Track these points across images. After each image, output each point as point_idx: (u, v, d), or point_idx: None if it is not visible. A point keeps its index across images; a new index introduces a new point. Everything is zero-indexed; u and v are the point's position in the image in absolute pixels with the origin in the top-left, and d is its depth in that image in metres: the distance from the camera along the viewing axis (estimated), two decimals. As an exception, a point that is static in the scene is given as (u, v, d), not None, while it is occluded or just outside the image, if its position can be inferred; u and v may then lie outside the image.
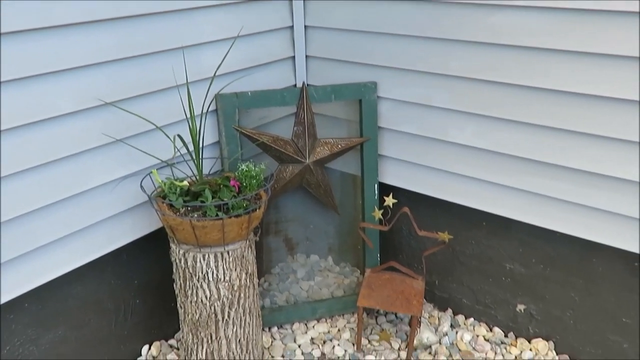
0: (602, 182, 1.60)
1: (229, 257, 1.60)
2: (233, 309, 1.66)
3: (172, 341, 2.01)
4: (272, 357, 1.95)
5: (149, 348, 1.96)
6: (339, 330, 2.09)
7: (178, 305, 1.70)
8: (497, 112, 1.71)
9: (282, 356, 1.96)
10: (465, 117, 1.78)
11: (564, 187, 1.68)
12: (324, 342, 2.03)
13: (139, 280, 1.85)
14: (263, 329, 2.03)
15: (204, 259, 1.58)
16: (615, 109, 1.51)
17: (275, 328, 2.08)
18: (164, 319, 1.97)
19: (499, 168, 1.78)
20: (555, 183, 1.69)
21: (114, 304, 1.80)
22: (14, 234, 1.42)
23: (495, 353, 1.96)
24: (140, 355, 1.94)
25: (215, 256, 1.58)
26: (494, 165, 1.79)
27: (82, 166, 1.52)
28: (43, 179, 1.45)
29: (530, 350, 1.95)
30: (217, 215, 1.52)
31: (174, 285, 1.69)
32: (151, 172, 1.61)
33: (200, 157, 1.62)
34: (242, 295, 1.66)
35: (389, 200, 1.88)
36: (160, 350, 1.96)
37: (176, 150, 1.63)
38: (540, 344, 1.96)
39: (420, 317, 1.92)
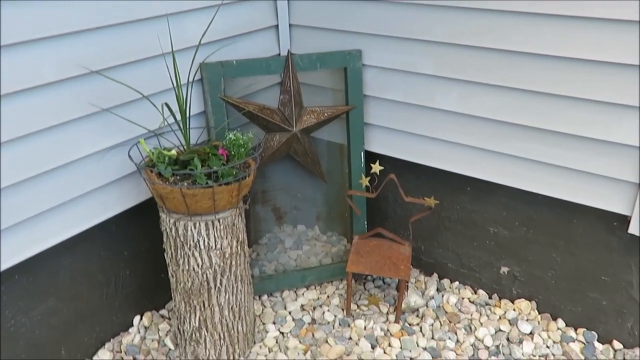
0: (583, 145, 1.65)
1: (220, 225, 1.61)
2: (225, 277, 1.68)
3: (163, 311, 2.03)
4: (264, 324, 1.99)
5: (141, 318, 1.97)
6: (328, 296, 2.12)
7: (169, 274, 1.71)
8: (482, 77, 1.73)
9: (274, 323, 1.99)
10: (450, 83, 1.80)
11: (547, 150, 1.72)
12: (314, 309, 2.07)
13: (129, 252, 1.86)
14: (253, 297, 2.05)
15: (194, 228, 1.58)
16: (598, 72, 1.54)
17: (266, 296, 2.11)
18: (154, 290, 1.98)
19: (484, 133, 1.81)
20: (538, 147, 1.73)
21: (104, 276, 1.80)
22: (4, 204, 1.41)
23: (480, 314, 2.02)
24: (132, 325, 1.95)
25: (206, 224, 1.59)
26: (479, 131, 1.82)
27: (69, 136, 1.51)
28: (28, 150, 1.43)
29: (514, 310, 2.02)
30: (206, 183, 1.53)
31: (165, 255, 1.70)
32: (139, 142, 1.61)
33: (188, 126, 1.62)
34: (233, 262, 1.68)
35: (376, 167, 1.90)
36: (152, 321, 1.97)
37: (163, 119, 1.62)
38: (523, 304, 2.02)
39: (408, 281, 1.97)
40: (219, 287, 1.68)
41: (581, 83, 1.57)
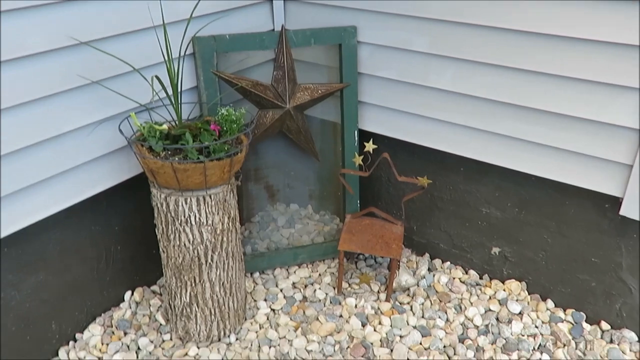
0: (577, 125, 1.64)
1: (211, 201, 1.60)
2: (216, 253, 1.67)
3: (154, 287, 2.03)
4: (255, 301, 1.99)
5: (132, 294, 1.97)
6: (319, 274, 2.13)
7: (160, 249, 1.71)
8: (477, 55, 1.71)
9: (265, 300, 2.00)
10: (445, 61, 1.78)
11: (540, 131, 1.71)
12: (306, 286, 2.07)
13: (120, 227, 1.85)
14: (245, 275, 2.06)
15: (185, 203, 1.57)
16: (593, 51, 1.52)
17: (257, 273, 2.12)
18: (145, 266, 1.98)
19: (477, 113, 1.80)
20: (531, 127, 1.72)
21: (94, 250, 1.80)
22: (-11, 177, 1.40)
23: (471, 294, 2.03)
24: (123, 301, 1.96)
25: (197, 200, 1.58)
26: (473, 110, 1.81)
27: (58, 109, 1.49)
28: (17, 122, 1.41)
29: (504, 290, 2.03)
30: (198, 158, 1.52)
31: (156, 230, 1.69)
32: (129, 116, 1.59)
33: (179, 100, 1.60)
34: (224, 239, 1.68)
35: (369, 146, 1.89)
36: (143, 296, 1.98)
37: (154, 93, 1.60)
38: (513, 284, 2.03)
39: (399, 260, 1.97)
40: (210, 263, 1.68)
41: (576, 63, 1.56)
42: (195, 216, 1.60)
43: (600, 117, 1.58)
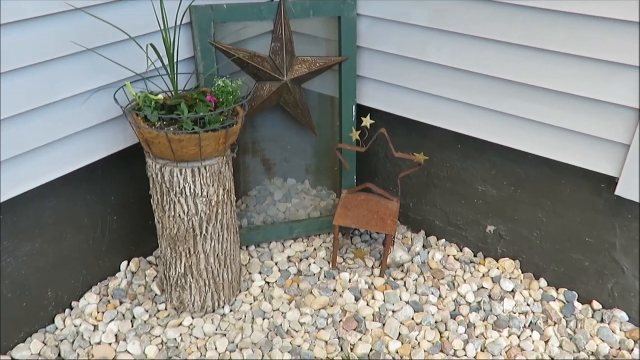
0: (575, 104, 1.63)
1: (207, 173, 1.60)
2: (211, 225, 1.68)
3: (150, 258, 2.04)
4: (250, 274, 2.00)
5: (128, 264, 1.99)
6: (315, 249, 2.14)
7: (156, 220, 1.71)
8: (478, 31, 1.69)
9: (260, 273, 2.01)
10: (444, 36, 1.76)
11: (538, 108, 1.70)
12: (301, 260, 2.08)
13: (116, 197, 1.85)
14: (241, 248, 2.07)
15: (181, 174, 1.57)
16: (593, 28, 1.50)
17: (253, 247, 2.13)
18: (142, 237, 1.99)
19: (476, 89, 1.78)
20: (529, 105, 1.71)
21: (90, 220, 1.80)
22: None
23: (464, 272, 2.04)
24: (119, 271, 1.97)
25: (193, 171, 1.58)
26: (471, 87, 1.79)
27: (52, 76, 1.47)
28: (10, 88, 1.40)
29: (498, 269, 2.04)
30: (193, 129, 1.51)
31: (152, 201, 1.69)
32: (125, 85, 1.58)
33: (175, 71, 1.58)
34: (220, 211, 1.68)
35: (367, 121, 1.88)
36: (139, 267, 1.99)
37: (150, 62, 1.59)
38: (507, 263, 2.04)
39: (394, 237, 1.98)
40: (204, 235, 1.68)
41: (577, 40, 1.54)
42: (190, 187, 1.60)
43: (599, 95, 1.56)
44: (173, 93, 1.62)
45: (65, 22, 1.44)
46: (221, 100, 1.61)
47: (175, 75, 1.59)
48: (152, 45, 1.48)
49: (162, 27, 1.49)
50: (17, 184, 1.51)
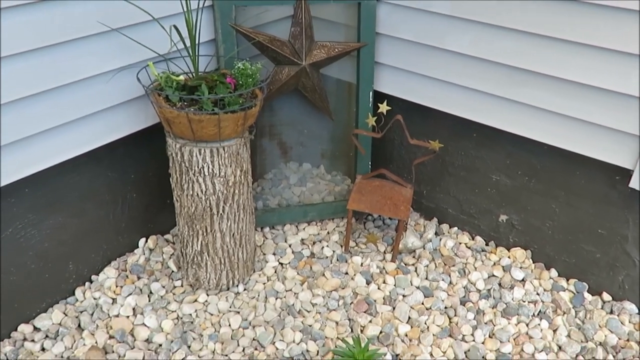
0: (592, 95, 1.63)
1: (224, 153, 1.63)
2: (227, 204, 1.72)
3: (167, 236, 2.10)
4: (264, 254, 2.05)
5: (146, 241, 2.04)
6: (328, 232, 2.17)
7: (174, 198, 1.76)
8: (497, 20, 1.69)
9: (274, 254, 2.05)
10: (464, 24, 1.76)
11: (555, 99, 1.70)
12: (314, 243, 2.12)
13: (136, 175, 1.90)
14: (255, 229, 2.11)
15: (200, 154, 1.61)
16: (612, 19, 1.50)
17: (268, 228, 2.17)
18: (159, 214, 2.04)
19: (494, 78, 1.79)
20: (546, 95, 1.71)
21: (111, 196, 1.85)
22: (11, 118, 1.44)
23: (475, 259, 2.07)
24: (137, 247, 2.02)
25: (211, 151, 1.61)
26: (489, 76, 1.80)
27: (77, 54, 1.51)
28: (38, 65, 1.44)
29: (509, 257, 2.06)
30: (213, 110, 1.54)
31: (170, 180, 1.74)
32: (147, 65, 1.61)
33: (197, 52, 1.62)
34: (236, 191, 1.72)
35: (383, 107, 1.90)
36: (157, 244, 2.04)
37: (172, 43, 1.62)
38: (518, 252, 2.06)
39: (407, 222, 2.00)
40: (221, 214, 1.72)
41: (595, 30, 1.54)
42: (208, 167, 1.63)
43: (616, 87, 1.56)
44: (193, 74, 1.66)
45: (92, 2, 1.48)
46: (240, 82, 1.64)
47: (196, 57, 1.62)
48: (175, 26, 1.51)
49: (185, 9, 1.51)
50: (43, 158, 1.56)
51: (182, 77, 1.63)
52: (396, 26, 1.91)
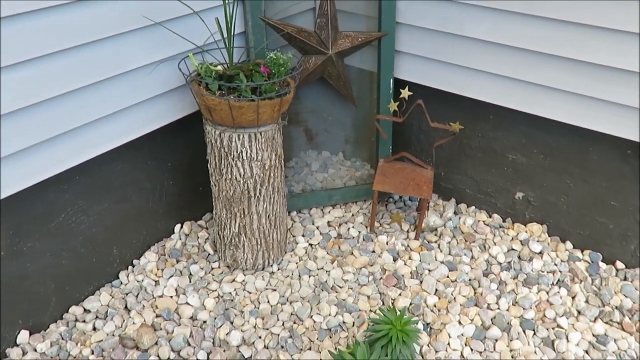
0: (605, 73, 1.73)
1: (262, 138, 1.73)
2: (264, 187, 1.82)
3: (200, 222, 2.19)
4: (294, 236, 2.15)
5: (181, 227, 2.14)
6: (352, 215, 2.28)
7: (212, 184, 1.86)
8: (513, 6, 1.79)
9: (303, 236, 2.15)
10: (482, 11, 1.87)
11: (569, 79, 1.80)
12: (340, 225, 2.22)
13: (172, 163, 1.99)
14: (283, 213, 2.21)
15: (238, 139, 1.71)
16: (623, 2, 1.61)
17: (295, 212, 2.27)
18: (193, 201, 2.14)
19: (510, 62, 1.90)
20: (560, 75, 1.82)
21: (150, 183, 1.95)
22: (66, 109, 1.53)
23: (494, 235, 2.18)
24: (174, 232, 2.12)
25: (249, 136, 1.71)
26: (506, 59, 1.90)
27: (123, 48, 1.61)
28: (88, 58, 1.54)
29: (526, 232, 2.17)
30: (251, 97, 1.64)
31: (208, 165, 1.83)
32: (187, 56, 1.71)
33: (232, 43, 1.71)
34: (271, 174, 1.82)
35: (405, 93, 2.00)
36: (191, 229, 2.14)
37: (211, 35, 1.72)
38: (534, 227, 2.17)
39: (429, 201, 2.11)
40: (258, 197, 1.83)
41: (606, 13, 1.64)
42: (246, 152, 1.73)
43: (629, 66, 1.67)
44: (229, 65, 1.75)
45: (137, -2, 1.58)
46: (273, 71, 1.74)
47: (232, 48, 1.72)
48: (217, 19, 1.60)
49: (225, 2, 1.61)
50: (93, 146, 1.66)
51: (219, 67, 1.72)
52: (416, 15, 2.01)
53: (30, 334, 1.72)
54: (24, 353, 1.68)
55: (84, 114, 1.59)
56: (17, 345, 1.69)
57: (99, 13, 1.51)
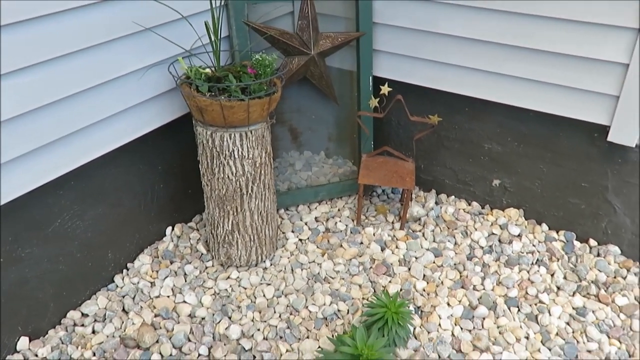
0: (573, 63, 1.86)
1: (252, 136, 1.79)
2: (255, 184, 1.88)
3: (191, 224, 2.23)
4: (283, 233, 2.21)
5: (172, 229, 2.17)
6: (339, 209, 2.35)
7: (203, 184, 1.90)
8: (483, 3, 1.91)
9: (292, 232, 2.22)
10: (455, 8, 1.98)
11: (539, 69, 1.93)
12: (327, 220, 2.30)
13: (162, 166, 2.03)
14: (272, 211, 2.27)
15: (230, 138, 1.77)
16: (586, -5, 1.74)
17: (282, 210, 2.33)
18: (183, 204, 2.18)
19: (483, 55, 2.01)
20: (531, 66, 1.94)
21: (142, 187, 1.98)
22: (63, 115, 1.56)
23: (475, 221, 2.28)
24: (165, 235, 2.16)
25: (240, 135, 1.77)
26: (479, 53, 2.02)
27: (115, 54, 1.65)
28: (83, 65, 1.57)
29: (504, 217, 2.28)
30: (241, 97, 1.70)
31: (200, 166, 1.88)
32: (177, 60, 1.76)
33: (219, 47, 1.77)
34: (262, 172, 1.88)
35: (385, 89, 2.09)
36: (183, 231, 2.18)
37: (198, 37, 1.77)
38: (512, 211, 2.29)
39: (412, 192, 2.20)
40: (250, 194, 1.88)
41: (571, 6, 1.77)
42: (238, 150, 1.79)
43: (593, 54, 1.80)
44: (216, 67, 1.81)
45: (125, 5, 1.62)
46: (260, 72, 1.81)
47: (219, 51, 1.78)
48: (206, 22, 1.66)
49: (212, 7, 1.67)
50: (88, 151, 1.69)
51: (208, 70, 1.78)
52: (392, 15, 2.11)
53: (30, 340, 1.73)
54: (25, 359, 1.69)
55: (77, 120, 1.62)
56: (18, 352, 1.70)
57: (89, 21, 1.55)
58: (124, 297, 1.91)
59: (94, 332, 1.80)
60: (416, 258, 2.09)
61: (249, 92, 1.74)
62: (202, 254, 2.09)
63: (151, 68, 1.78)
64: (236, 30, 1.97)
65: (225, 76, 1.76)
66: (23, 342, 1.71)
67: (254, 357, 1.72)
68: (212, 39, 1.74)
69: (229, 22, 1.97)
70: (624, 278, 2.00)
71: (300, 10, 2.02)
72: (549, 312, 1.87)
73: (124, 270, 2.01)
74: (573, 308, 1.89)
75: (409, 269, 2.04)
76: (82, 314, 1.85)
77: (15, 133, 1.47)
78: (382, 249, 2.14)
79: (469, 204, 2.39)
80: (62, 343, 1.75)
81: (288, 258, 2.10)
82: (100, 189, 1.82)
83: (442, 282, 1.99)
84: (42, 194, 1.62)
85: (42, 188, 1.60)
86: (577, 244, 2.16)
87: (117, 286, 1.96)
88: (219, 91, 1.74)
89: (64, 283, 1.79)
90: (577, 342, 1.77)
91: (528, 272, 2.03)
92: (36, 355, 1.70)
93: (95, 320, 1.83)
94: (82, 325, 1.82)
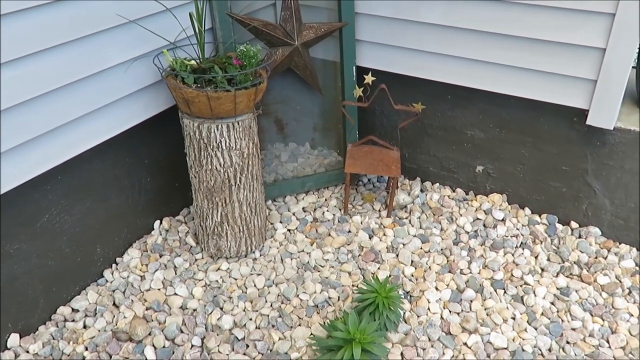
0: (551, 48, 1.91)
1: (239, 127, 1.80)
2: (243, 175, 1.89)
3: (179, 217, 2.23)
4: (272, 223, 2.22)
5: (160, 223, 2.17)
6: (326, 199, 2.38)
7: (191, 176, 1.91)
8: (464, -9, 1.94)
9: (280, 222, 2.23)
10: (435, -3, 2.01)
11: (519, 55, 1.97)
12: (315, 210, 2.32)
13: (149, 160, 2.03)
14: (260, 202, 2.28)
15: (217, 129, 1.77)
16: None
17: (270, 201, 2.34)
18: (170, 197, 2.18)
19: (464, 43, 2.04)
20: (511, 53, 1.98)
21: (129, 181, 1.98)
22: (47, 109, 1.55)
23: (460, 208, 2.32)
24: (154, 228, 2.15)
25: (228, 126, 1.78)
26: (460, 41, 2.05)
27: (99, 47, 1.64)
28: (67, 58, 1.56)
29: (488, 202, 2.33)
30: (227, 88, 1.71)
31: (187, 158, 1.88)
32: (162, 52, 1.76)
33: (203, 39, 1.77)
34: (250, 162, 1.89)
35: (368, 78, 2.12)
36: (171, 224, 2.18)
37: (183, 29, 1.77)
38: (495, 197, 2.33)
39: (398, 180, 2.23)
40: (238, 185, 1.89)
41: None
42: (225, 141, 1.80)
43: (570, 39, 1.85)
44: (201, 59, 1.81)
45: (110, -3, 1.61)
46: (245, 63, 1.81)
47: (203, 43, 1.78)
48: (191, 14, 1.66)
49: (196, -2, 1.67)
50: (74, 145, 1.68)
51: (193, 62, 1.78)
52: (373, 4, 2.13)
53: (21, 337, 1.72)
54: (17, 356, 1.68)
55: (62, 114, 1.61)
56: (9, 349, 1.69)
57: (73, 13, 1.54)
58: (114, 291, 1.90)
59: (85, 326, 1.79)
60: (404, 244, 2.12)
61: (235, 83, 1.75)
62: (191, 246, 2.10)
63: (136, 61, 1.77)
64: (220, 22, 1.97)
65: (210, 68, 1.76)
66: (14, 339, 1.70)
67: (247, 346, 1.73)
68: (197, 30, 1.74)
69: (212, 14, 1.97)
70: (605, 258, 2.06)
71: (283, 1, 2.03)
72: (534, 292, 1.92)
73: (113, 265, 2.00)
74: (557, 288, 1.94)
75: (397, 256, 2.07)
76: (73, 310, 1.85)
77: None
78: (370, 237, 2.17)
79: (454, 191, 2.43)
80: (54, 339, 1.74)
81: (277, 248, 2.11)
82: (88, 184, 1.82)
83: (429, 267, 2.03)
84: (29, 190, 1.61)
85: (28, 183, 1.59)
86: (559, 226, 2.21)
87: (106, 281, 1.95)
88: (205, 83, 1.74)
89: (53, 279, 1.78)
90: (562, 320, 1.82)
91: (513, 255, 2.08)
92: (27, 352, 1.69)
93: (86, 315, 1.83)
94: (73, 320, 1.81)
